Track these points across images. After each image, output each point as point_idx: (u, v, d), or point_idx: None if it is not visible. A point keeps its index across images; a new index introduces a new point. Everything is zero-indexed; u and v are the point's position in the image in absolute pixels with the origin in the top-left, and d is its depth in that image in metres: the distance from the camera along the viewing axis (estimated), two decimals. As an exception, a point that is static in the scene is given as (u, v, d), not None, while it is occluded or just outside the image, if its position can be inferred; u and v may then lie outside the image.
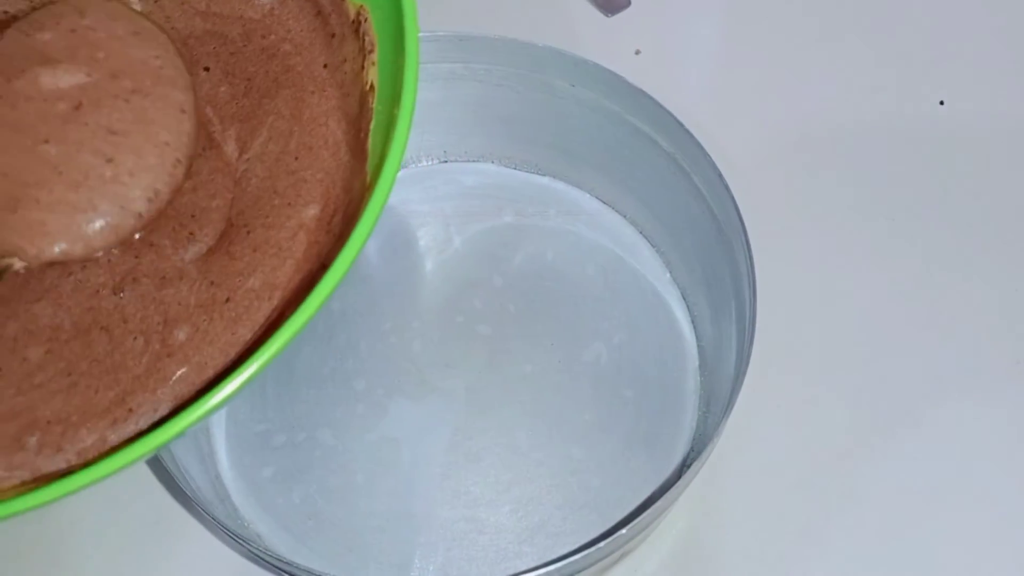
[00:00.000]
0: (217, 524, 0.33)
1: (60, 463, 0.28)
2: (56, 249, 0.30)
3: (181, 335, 0.30)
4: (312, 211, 0.32)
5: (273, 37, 0.35)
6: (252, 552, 0.33)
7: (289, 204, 0.32)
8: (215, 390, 0.26)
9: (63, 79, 0.31)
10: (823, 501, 0.40)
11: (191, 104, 0.32)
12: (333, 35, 0.34)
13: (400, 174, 0.46)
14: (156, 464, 0.40)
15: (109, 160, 0.30)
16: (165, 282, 0.31)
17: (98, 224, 0.30)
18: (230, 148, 0.33)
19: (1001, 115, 0.49)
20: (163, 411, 0.29)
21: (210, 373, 0.30)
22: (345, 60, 0.33)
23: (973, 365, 0.43)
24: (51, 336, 0.30)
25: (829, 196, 0.47)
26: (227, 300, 0.31)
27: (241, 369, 0.26)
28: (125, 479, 0.41)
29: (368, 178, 0.30)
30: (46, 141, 0.30)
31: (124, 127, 0.31)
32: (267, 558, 0.33)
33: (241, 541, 0.33)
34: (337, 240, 0.31)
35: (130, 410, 0.29)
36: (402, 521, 0.39)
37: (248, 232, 0.32)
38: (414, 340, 0.42)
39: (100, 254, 0.31)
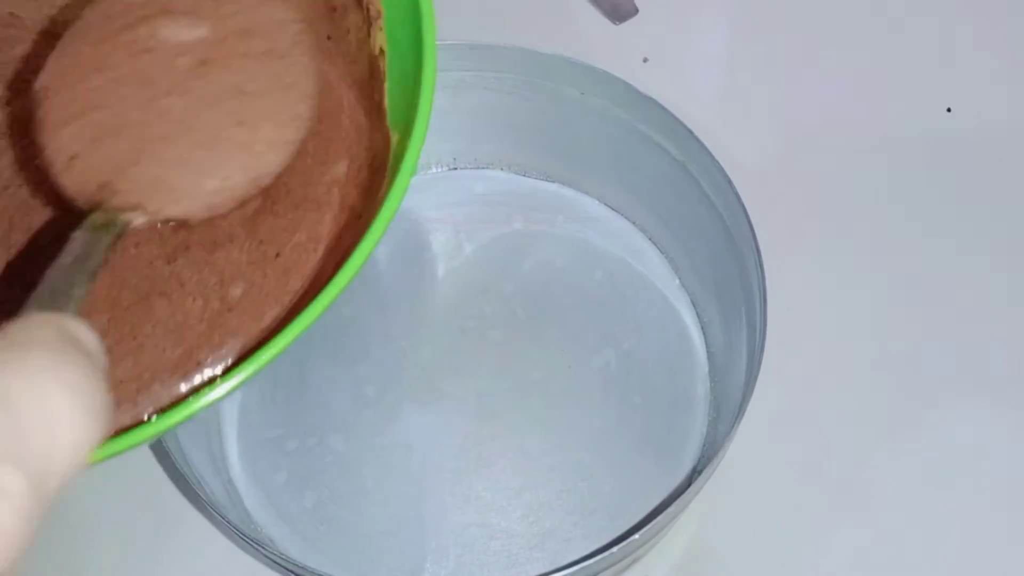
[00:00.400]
0: (230, 528, 0.33)
1: (138, 416, 0.30)
2: (178, 209, 0.28)
3: (237, 291, 0.31)
4: (341, 167, 0.33)
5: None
6: (265, 555, 0.34)
7: (320, 162, 0.33)
8: (289, 327, 0.26)
9: (185, 32, 0.29)
10: (833, 507, 0.40)
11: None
12: (334, 9, 0.34)
13: (410, 181, 0.46)
14: (170, 467, 0.40)
15: (240, 123, 0.28)
16: (216, 246, 0.32)
17: (225, 190, 0.28)
18: None
19: (1008, 122, 0.49)
20: (229, 360, 0.30)
21: (268, 322, 0.31)
22: (349, 31, 0.34)
23: (985, 371, 0.43)
24: (112, 304, 0.31)
25: (838, 202, 0.47)
26: (277, 255, 0.32)
27: (311, 308, 0.27)
28: (138, 481, 0.41)
29: (391, 134, 0.31)
30: (169, 94, 0.28)
31: (257, 89, 0.29)
32: (280, 561, 0.33)
33: (254, 544, 0.33)
34: (365, 192, 0.32)
35: (198, 363, 0.30)
36: (413, 526, 0.39)
37: (288, 191, 0.33)
38: (424, 346, 0.43)
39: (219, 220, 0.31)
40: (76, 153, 0.27)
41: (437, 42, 0.30)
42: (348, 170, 0.33)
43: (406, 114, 0.30)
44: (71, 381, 0.17)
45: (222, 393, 0.26)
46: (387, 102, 0.32)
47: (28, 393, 0.16)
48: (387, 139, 0.31)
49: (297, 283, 0.31)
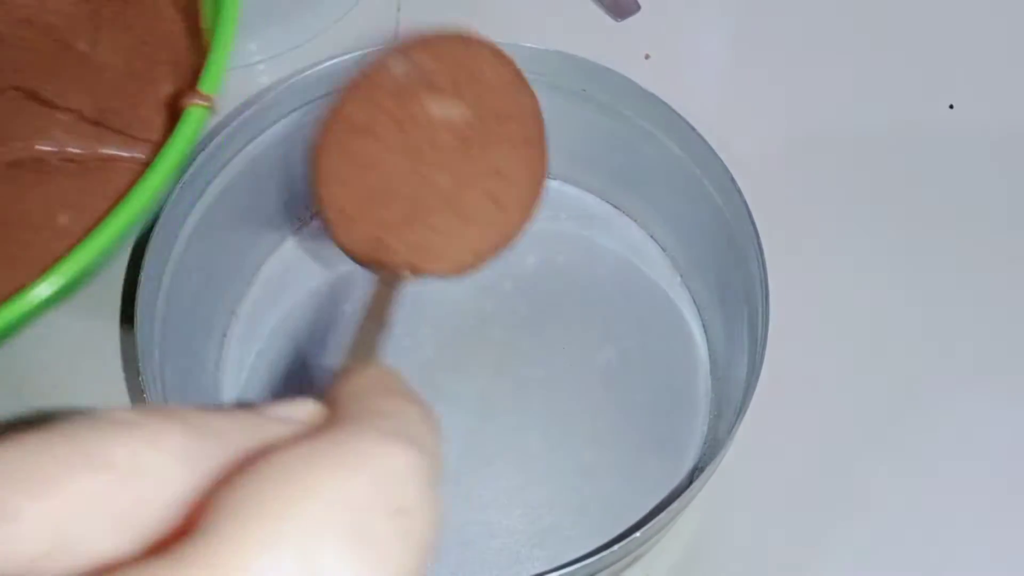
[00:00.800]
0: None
1: None
2: (440, 271, 0.31)
3: (64, 219, 0.34)
4: (167, 89, 0.36)
5: None
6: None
7: (148, 83, 0.36)
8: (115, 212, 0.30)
9: (450, 110, 0.31)
10: (835, 506, 0.40)
11: None
12: None
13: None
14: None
15: (495, 201, 0.32)
16: (44, 177, 0.34)
17: (477, 261, 0.32)
18: (82, 45, 0.37)
19: (1011, 118, 0.49)
20: (61, 281, 0.32)
21: None
22: None
23: (989, 371, 0.43)
24: None
25: (840, 199, 0.47)
26: (107, 182, 0.34)
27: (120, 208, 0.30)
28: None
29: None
30: (434, 167, 0.31)
31: (511, 173, 0.32)
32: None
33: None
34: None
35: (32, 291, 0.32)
36: (414, 525, 0.39)
37: (115, 114, 0.36)
38: (425, 344, 0.43)
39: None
40: (350, 211, 0.31)
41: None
42: (175, 92, 0.35)
43: (212, 35, 0.33)
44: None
45: (45, 294, 0.29)
46: (203, 24, 0.36)
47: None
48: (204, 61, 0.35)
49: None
